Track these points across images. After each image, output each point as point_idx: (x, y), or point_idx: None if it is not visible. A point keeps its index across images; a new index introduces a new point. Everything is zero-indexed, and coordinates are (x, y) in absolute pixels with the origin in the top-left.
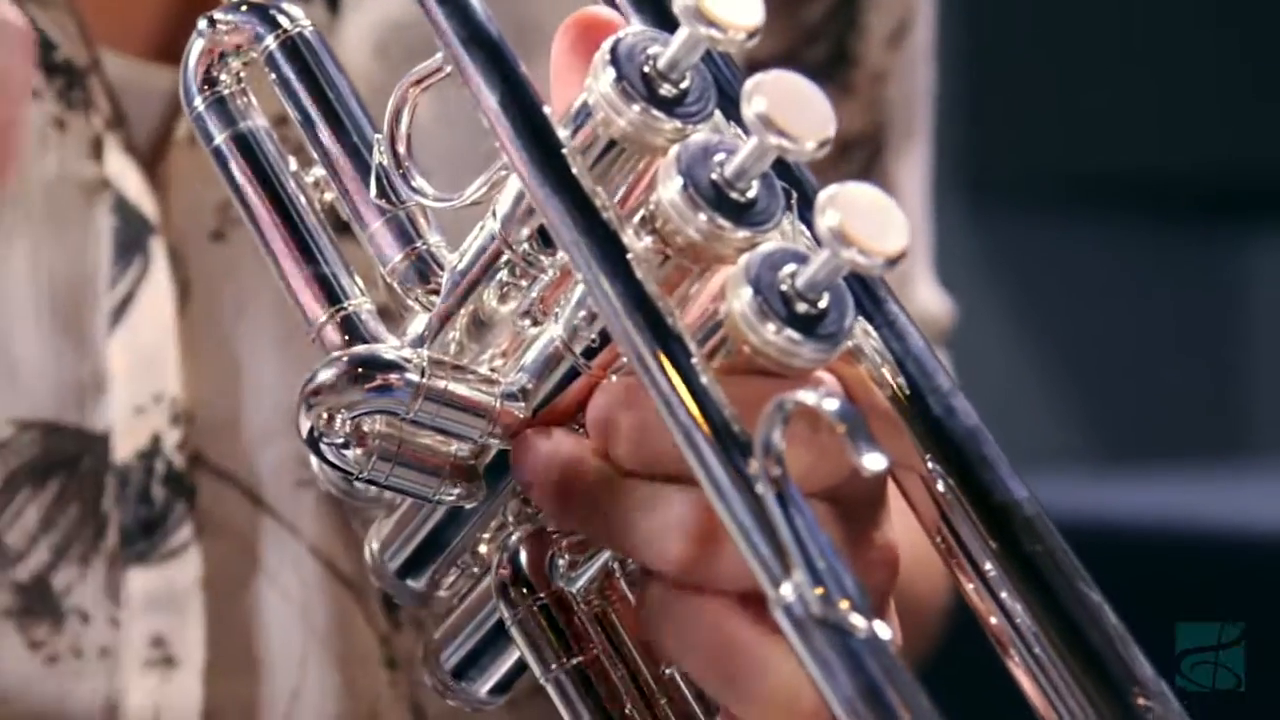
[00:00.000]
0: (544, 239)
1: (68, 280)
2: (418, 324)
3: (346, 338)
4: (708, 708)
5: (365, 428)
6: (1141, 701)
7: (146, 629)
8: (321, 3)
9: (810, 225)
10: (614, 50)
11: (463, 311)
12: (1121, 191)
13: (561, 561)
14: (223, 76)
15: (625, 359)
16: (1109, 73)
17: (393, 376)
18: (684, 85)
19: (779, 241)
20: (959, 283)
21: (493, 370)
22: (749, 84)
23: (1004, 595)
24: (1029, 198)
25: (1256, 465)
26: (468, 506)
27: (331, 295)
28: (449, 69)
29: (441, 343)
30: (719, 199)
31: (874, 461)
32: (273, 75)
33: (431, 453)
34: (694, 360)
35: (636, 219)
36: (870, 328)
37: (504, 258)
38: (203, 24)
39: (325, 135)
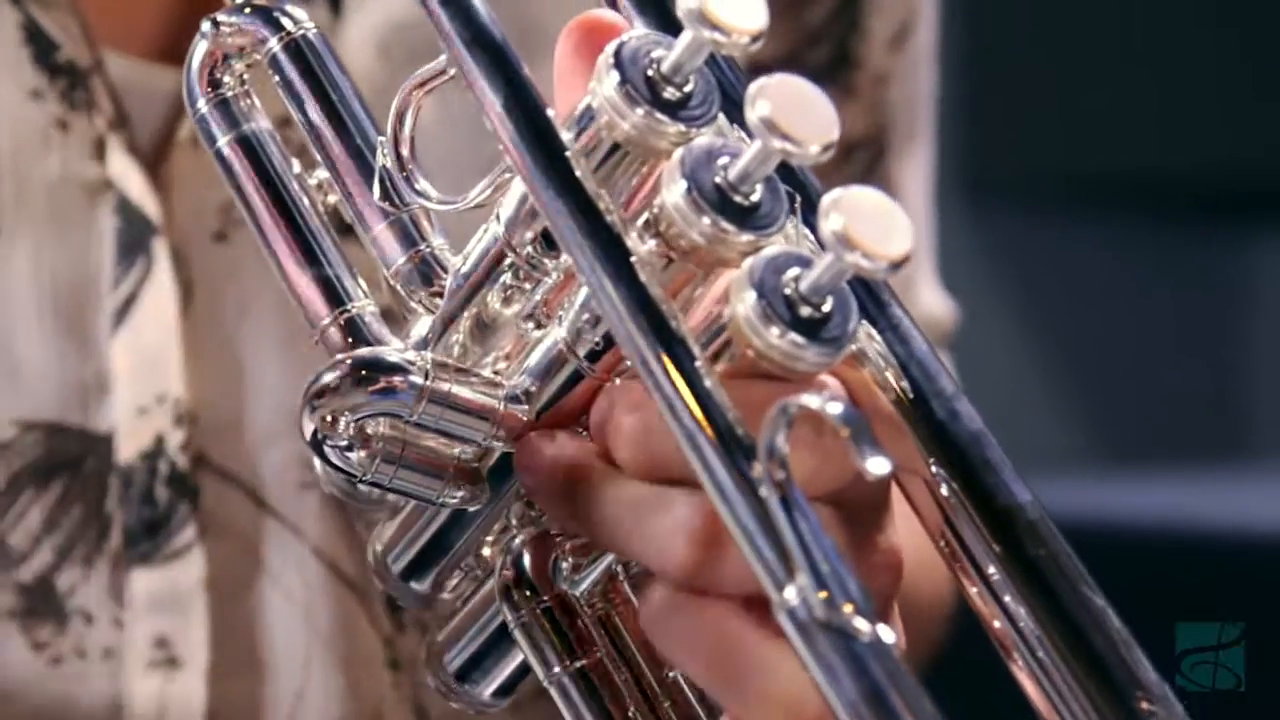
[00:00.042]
0: (547, 242)
1: (70, 281)
2: (421, 326)
3: (350, 340)
4: (711, 711)
5: (369, 430)
6: (1145, 706)
7: (150, 630)
8: (324, 4)
9: (814, 229)
10: (618, 53)
11: (466, 314)
12: (1123, 192)
13: (565, 564)
14: (226, 78)
15: (629, 362)
16: (1110, 73)
17: (396, 379)
18: (688, 89)
19: (783, 245)
20: (960, 284)
21: (496, 373)
22: (753, 88)
23: (1007, 599)
24: (1030, 199)
25: (1258, 466)
26: (471, 509)
27: (335, 297)
28: (452, 71)
29: (445, 345)
30: (723, 202)
31: (877, 465)
32: (276, 77)
33: (435, 455)
34: (697, 363)
35: (640, 222)
36: (874, 331)
37: (507, 260)
38: (206, 26)
39: (329, 137)
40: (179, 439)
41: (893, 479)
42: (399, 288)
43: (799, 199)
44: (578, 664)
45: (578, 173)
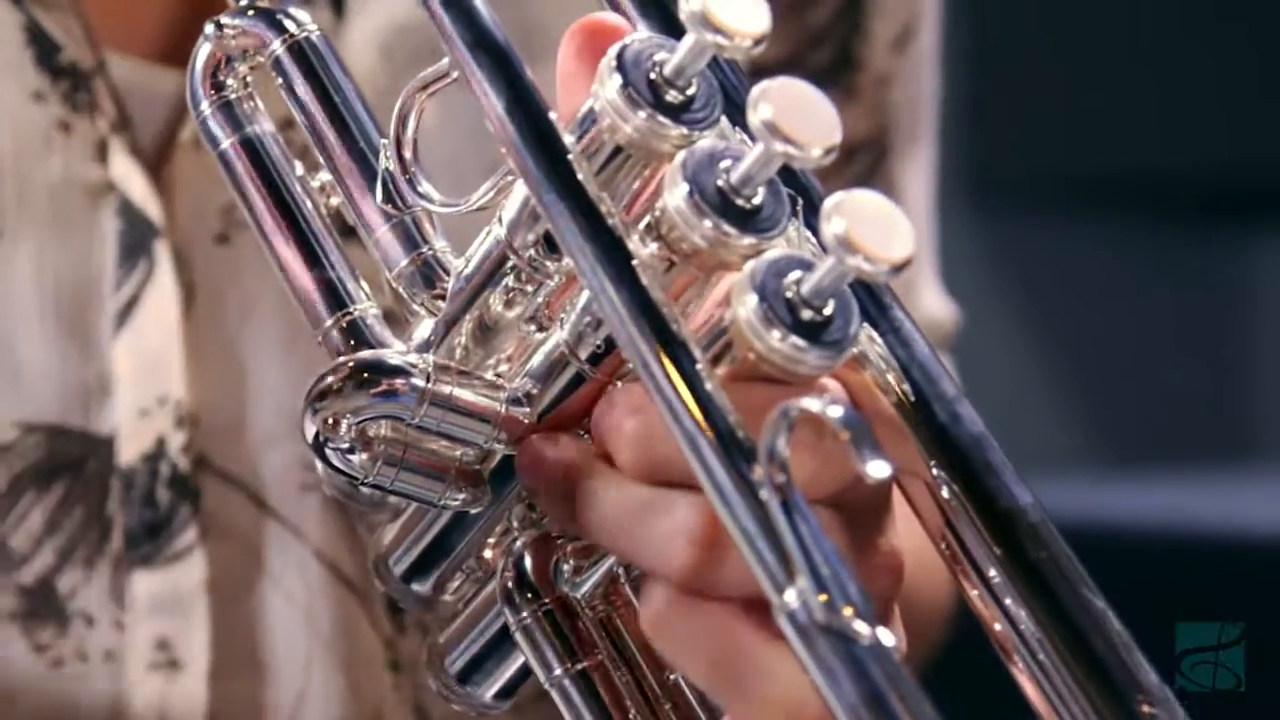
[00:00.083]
0: (549, 245)
1: (72, 283)
2: (423, 329)
3: (352, 342)
4: (711, 713)
5: (370, 433)
6: (1146, 708)
7: (151, 632)
8: (326, 6)
9: (816, 232)
10: (620, 56)
11: (468, 317)
12: (1124, 193)
13: (566, 567)
14: (229, 81)
15: (630, 365)
16: (1111, 74)
17: (398, 382)
18: (690, 91)
19: (784, 248)
20: (961, 285)
21: (498, 376)
22: (755, 91)
23: (1008, 601)
24: (1032, 200)
25: (1258, 468)
26: (473, 511)
27: (337, 300)
28: (455, 74)
29: (447, 348)
30: (724, 205)
31: (878, 468)
32: (279, 79)
33: (437, 458)
34: (699, 366)
35: (642, 225)
36: (875, 334)
37: (509, 263)
38: (210, 28)
39: (331, 140)
40: (180, 441)
41: (893, 481)
42: (401, 290)
43: (801, 202)
44: (579, 666)
45: (580, 176)
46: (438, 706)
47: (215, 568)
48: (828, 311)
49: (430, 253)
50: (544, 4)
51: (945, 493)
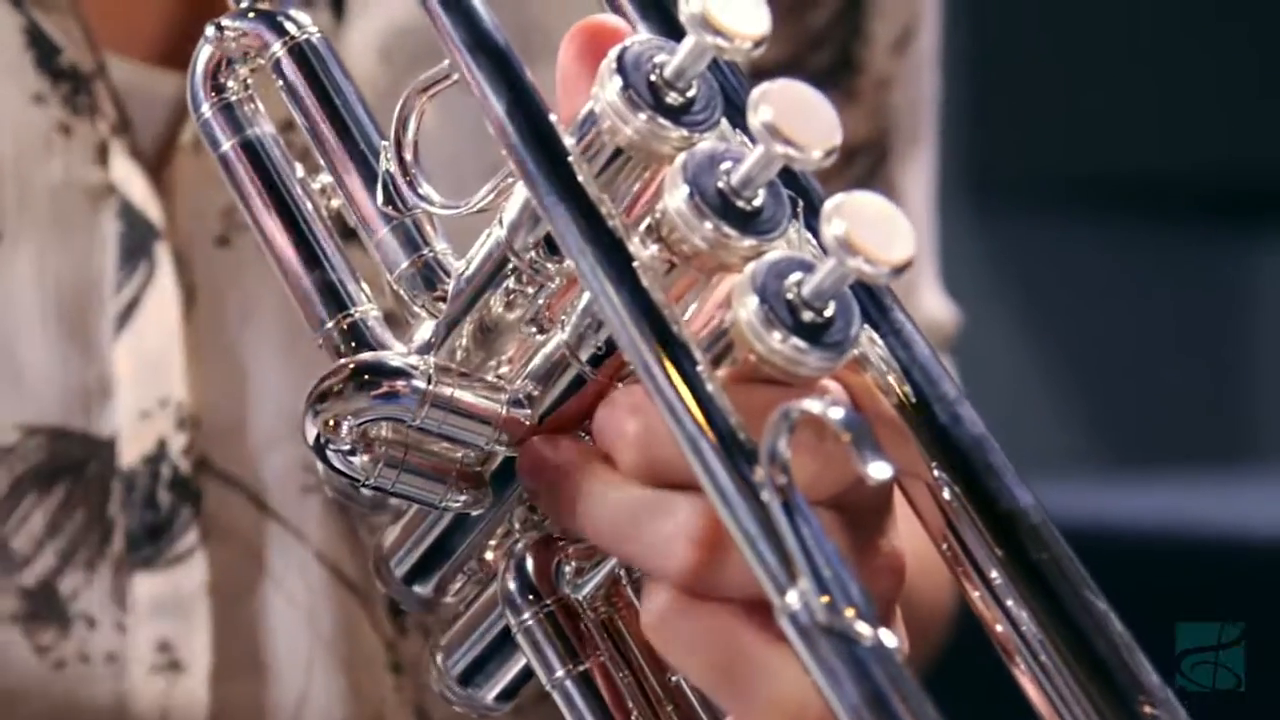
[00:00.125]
0: (550, 247)
1: (73, 285)
2: (424, 331)
3: (353, 344)
4: (713, 714)
5: (371, 434)
6: (1148, 710)
7: (153, 634)
8: (327, 8)
9: (816, 233)
10: (620, 58)
11: (469, 319)
12: (1125, 194)
13: (568, 568)
14: (230, 83)
15: (631, 367)
16: (1111, 75)
17: (399, 383)
18: (690, 93)
19: (785, 250)
20: (962, 286)
21: (499, 377)
22: (755, 93)
23: (1010, 603)
24: (1032, 201)
25: (1258, 469)
26: (474, 513)
27: (338, 302)
28: (455, 76)
29: (448, 350)
30: (725, 207)
31: (879, 470)
32: (279, 82)
33: (438, 459)
34: (699, 368)
35: (643, 227)
36: (876, 335)
37: (510, 265)
38: (210, 30)
39: (332, 142)
40: (181, 443)
41: (895, 483)
42: (402, 292)
43: (801, 204)
44: (580, 668)
45: (580, 178)
46: (439, 708)
47: (216, 570)
48: (828, 313)
49: (431, 255)
50: (544, 5)
51: (946, 494)
